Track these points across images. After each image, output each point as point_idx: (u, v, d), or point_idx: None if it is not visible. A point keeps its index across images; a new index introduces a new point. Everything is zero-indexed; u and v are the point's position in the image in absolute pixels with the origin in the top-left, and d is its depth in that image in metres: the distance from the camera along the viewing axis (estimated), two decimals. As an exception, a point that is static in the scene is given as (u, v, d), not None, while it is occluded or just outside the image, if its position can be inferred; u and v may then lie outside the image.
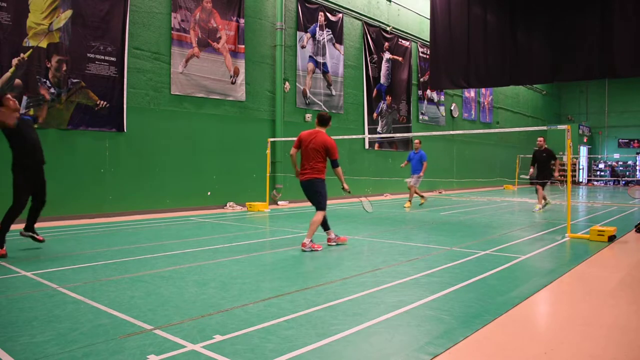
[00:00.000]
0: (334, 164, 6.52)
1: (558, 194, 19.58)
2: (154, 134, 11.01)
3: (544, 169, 12.08)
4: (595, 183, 30.88)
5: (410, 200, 13.33)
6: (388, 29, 17.97)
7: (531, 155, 12.63)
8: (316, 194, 6.54)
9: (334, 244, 6.77)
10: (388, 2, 18.14)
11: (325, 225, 6.78)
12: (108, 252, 6.23)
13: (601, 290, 4.55)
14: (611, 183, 30.39)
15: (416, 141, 13.23)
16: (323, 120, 6.70)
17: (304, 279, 4.82)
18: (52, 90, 9.38)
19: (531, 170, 12.57)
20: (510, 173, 25.25)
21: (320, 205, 6.55)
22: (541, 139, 12.28)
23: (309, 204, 7.00)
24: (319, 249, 6.41)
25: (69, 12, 9.58)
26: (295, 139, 6.84)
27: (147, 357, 2.82)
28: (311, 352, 2.92)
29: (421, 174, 12.94)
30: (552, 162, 12.02)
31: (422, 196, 13.72)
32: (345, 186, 6.77)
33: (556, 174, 12.23)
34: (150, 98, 10.96)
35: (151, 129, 10.99)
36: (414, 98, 19.55)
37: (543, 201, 12.37)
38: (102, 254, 6.09)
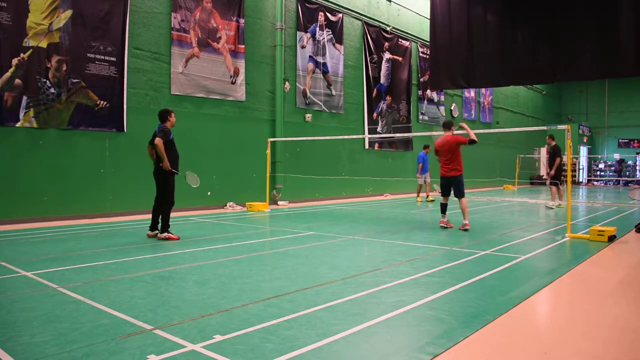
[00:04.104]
0: (471, 143, 8.46)
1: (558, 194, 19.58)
2: (154, 134, 10.99)
3: (550, 167, 12.95)
4: (595, 183, 30.88)
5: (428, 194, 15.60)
6: (388, 29, 17.97)
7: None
8: (458, 185, 8.56)
9: (445, 226, 8.64)
10: (388, 2, 18.13)
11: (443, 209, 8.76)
12: (108, 252, 6.24)
13: (601, 290, 4.55)
14: (611, 183, 30.41)
15: (427, 144, 15.45)
16: (444, 125, 8.83)
17: (304, 279, 4.82)
18: (52, 90, 9.39)
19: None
20: (510, 173, 25.24)
21: (460, 193, 8.55)
22: (548, 137, 13.09)
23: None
24: (467, 227, 8.28)
25: (69, 12, 9.59)
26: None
27: (147, 357, 2.82)
28: (311, 352, 2.92)
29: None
30: (556, 159, 12.73)
31: (419, 195, 15.68)
32: (471, 134, 8.40)
33: (552, 171, 12.86)
34: (150, 98, 10.96)
35: (151, 129, 10.87)
36: (414, 98, 19.55)
37: (558, 201, 13.02)
38: (102, 254, 6.09)
